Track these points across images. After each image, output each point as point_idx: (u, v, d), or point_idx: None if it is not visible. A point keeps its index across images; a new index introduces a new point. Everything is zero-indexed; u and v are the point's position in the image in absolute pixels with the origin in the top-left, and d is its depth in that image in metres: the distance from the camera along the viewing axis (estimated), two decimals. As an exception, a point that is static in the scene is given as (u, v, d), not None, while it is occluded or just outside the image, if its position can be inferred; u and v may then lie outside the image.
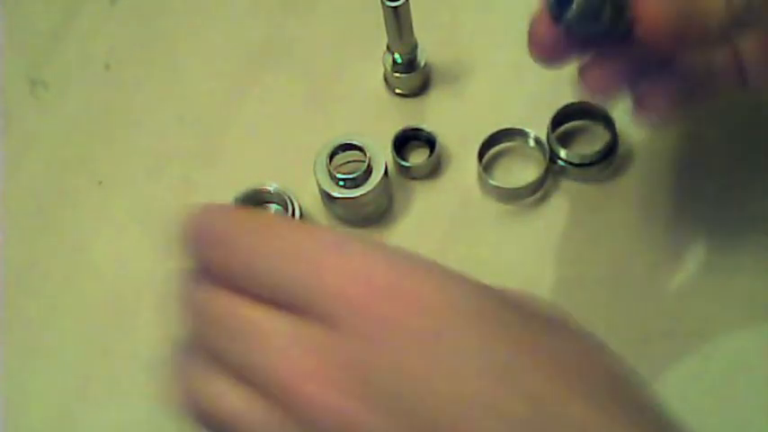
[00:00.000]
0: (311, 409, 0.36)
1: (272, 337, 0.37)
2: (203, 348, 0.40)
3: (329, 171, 0.52)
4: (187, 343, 0.41)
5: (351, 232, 0.54)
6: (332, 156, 0.52)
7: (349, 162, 0.53)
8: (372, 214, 0.54)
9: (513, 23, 0.58)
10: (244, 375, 0.38)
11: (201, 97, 0.58)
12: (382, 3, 0.52)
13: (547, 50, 0.45)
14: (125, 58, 0.60)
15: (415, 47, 0.56)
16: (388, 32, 0.54)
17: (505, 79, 0.57)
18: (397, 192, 0.55)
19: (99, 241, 0.55)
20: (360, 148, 0.52)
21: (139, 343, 0.53)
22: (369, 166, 0.52)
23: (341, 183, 0.52)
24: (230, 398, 0.39)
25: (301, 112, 0.57)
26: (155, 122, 0.58)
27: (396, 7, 0.52)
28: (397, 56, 0.56)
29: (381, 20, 0.54)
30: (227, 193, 0.56)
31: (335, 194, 0.52)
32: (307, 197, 0.54)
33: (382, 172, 0.52)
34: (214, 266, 0.39)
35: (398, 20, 0.53)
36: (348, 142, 0.53)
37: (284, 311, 0.37)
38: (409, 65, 0.56)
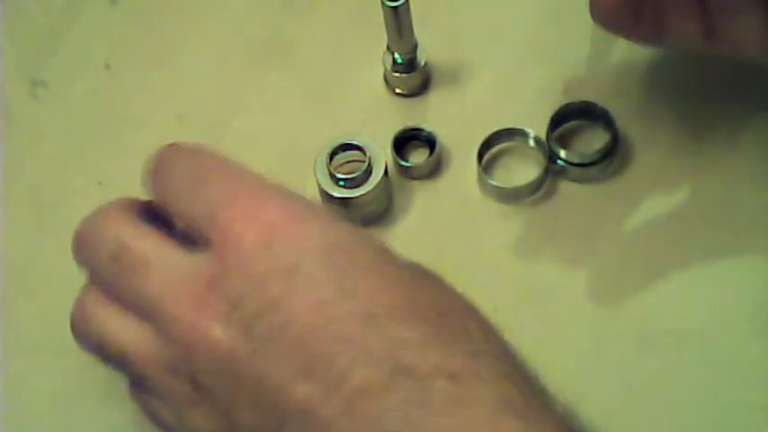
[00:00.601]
0: (181, 330, 0.41)
1: (155, 264, 0.43)
2: (97, 283, 0.45)
3: (329, 171, 0.52)
4: (88, 282, 0.46)
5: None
6: (332, 156, 0.52)
7: (349, 162, 0.53)
8: (372, 214, 0.54)
9: (513, 23, 0.58)
10: (128, 302, 0.43)
11: (201, 97, 0.58)
12: (382, 3, 0.52)
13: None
14: (125, 58, 0.60)
15: (415, 47, 0.56)
16: (388, 32, 0.54)
17: (505, 79, 0.57)
18: (397, 192, 0.55)
19: (99, 241, 0.55)
20: (360, 148, 0.52)
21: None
22: (369, 166, 0.52)
23: (341, 183, 0.52)
24: (112, 322, 0.44)
25: (301, 111, 0.57)
26: (155, 122, 0.58)
27: (396, 7, 0.52)
28: (397, 56, 0.56)
29: (381, 20, 0.54)
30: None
31: (335, 194, 0.52)
32: (306, 197, 0.54)
33: (382, 172, 0.52)
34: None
35: (398, 20, 0.53)
36: (348, 142, 0.53)
37: (177, 246, 0.43)
38: (409, 65, 0.56)
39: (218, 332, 0.40)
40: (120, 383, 0.52)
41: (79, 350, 0.53)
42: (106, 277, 0.44)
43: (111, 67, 0.60)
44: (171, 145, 0.47)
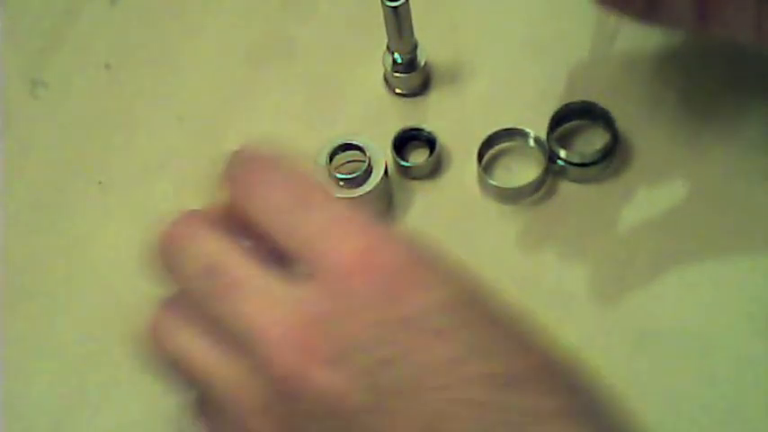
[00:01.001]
0: (283, 371, 0.37)
1: (252, 289, 0.39)
2: (183, 298, 0.41)
3: (329, 171, 0.52)
4: (170, 295, 0.42)
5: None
6: (332, 156, 0.52)
7: (349, 162, 0.53)
8: (372, 214, 0.54)
9: (513, 23, 0.58)
10: (218, 326, 0.40)
11: (201, 97, 0.58)
12: (382, 3, 0.52)
13: None
14: (125, 58, 0.60)
15: (415, 47, 0.56)
16: (388, 32, 0.54)
17: (505, 79, 0.57)
18: (397, 192, 0.55)
19: (99, 241, 0.55)
20: (360, 148, 0.52)
21: (139, 343, 0.53)
22: (369, 166, 0.52)
23: (341, 183, 0.52)
24: (199, 345, 0.40)
25: (301, 112, 0.57)
26: (155, 122, 0.58)
27: (396, 7, 0.52)
28: (397, 56, 0.56)
29: (381, 20, 0.54)
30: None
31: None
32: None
33: (382, 172, 0.52)
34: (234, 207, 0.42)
35: (398, 20, 0.53)
36: (348, 142, 0.53)
37: (275, 271, 0.39)
38: (409, 65, 0.56)
39: (327, 378, 0.37)
40: (119, 382, 0.52)
41: (78, 350, 0.53)
42: (193, 293, 0.41)
43: (111, 67, 0.60)
44: (258, 156, 0.43)
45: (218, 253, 0.40)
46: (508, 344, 0.38)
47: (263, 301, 0.39)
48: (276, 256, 0.40)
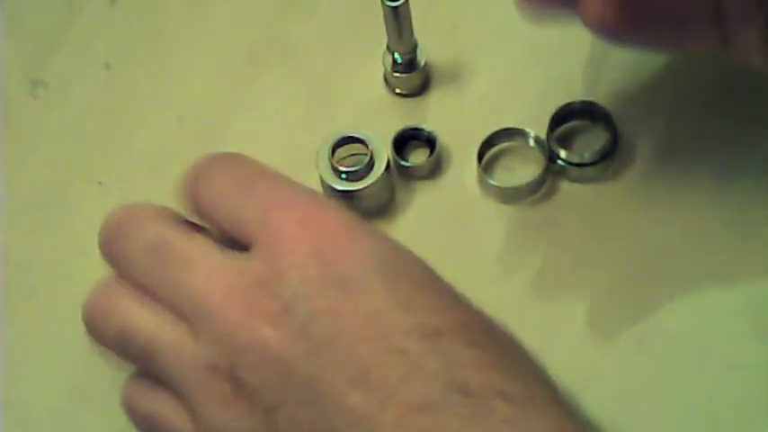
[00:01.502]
0: (228, 328, 0.41)
1: (200, 260, 0.42)
2: (127, 275, 0.44)
3: (331, 164, 0.52)
4: (113, 275, 0.45)
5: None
6: (334, 149, 0.53)
7: (351, 155, 0.53)
8: (374, 208, 0.54)
9: (514, 23, 0.58)
10: (162, 296, 0.43)
11: (201, 97, 0.58)
12: (382, 3, 0.52)
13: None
14: (125, 58, 0.60)
15: (415, 47, 0.56)
16: (388, 32, 0.54)
17: (505, 79, 0.57)
18: (397, 191, 0.55)
19: (99, 241, 0.55)
20: (362, 141, 0.53)
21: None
22: (371, 159, 0.52)
23: (343, 176, 0.52)
24: (142, 314, 0.43)
25: (301, 112, 0.57)
26: (155, 122, 0.58)
27: (396, 7, 0.52)
28: (397, 56, 0.56)
29: (381, 20, 0.54)
30: (227, 193, 0.56)
31: (337, 187, 0.52)
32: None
33: (384, 165, 0.52)
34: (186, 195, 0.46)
35: (398, 20, 0.53)
36: (350, 135, 0.53)
37: (221, 246, 0.43)
38: (409, 65, 0.56)
39: (269, 331, 0.40)
40: (119, 382, 0.52)
41: (78, 350, 0.53)
42: (138, 269, 0.44)
43: (111, 67, 0.60)
44: (209, 155, 0.46)
45: (167, 231, 0.44)
46: (434, 301, 0.41)
47: (207, 269, 0.42)
48: (225, 242, 0.43)
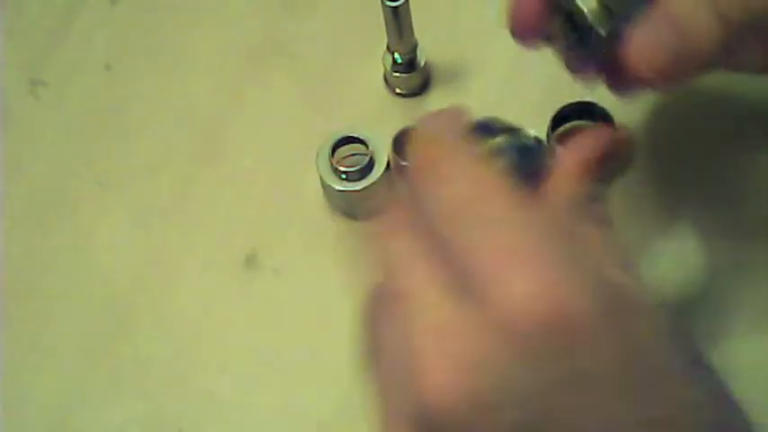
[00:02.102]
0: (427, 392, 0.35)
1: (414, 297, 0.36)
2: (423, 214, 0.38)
3: (331, 164, 0.52)
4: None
5: (352, 227, 0.54)
6: (334, 149, 0.53)
7: (351, 155, 0.53)
8: (374, 207, 0.54)
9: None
10: (442, 250, 0.37)
11: (201, 97, 0.58)
12: (382, 3, 0.52)
13: (529, 28, 0.45)
14: (125, 58, 0.60)
15: (415, 47, 0.56)
16: (388, 32, 0.54)
17: (505, 79, 0.57)
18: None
19: (99, 241, 0.55)
20: (362, 141, 0.53)
21: (138, 342, 0.53)
22: (371, 159, 0.52)
23: (343, 176, 0.52)
24: (413, 260, 0.37)
25: (301, 112, 0.57)
26: (155, 122, 0.58)
27: (396, 7, 0.52)
28: (397, 56, 0.56)
29: (381, 20, 0.54)
30: (227, 194, 0.56)
31: (338, 187, 0.52)
32: (307, 194, 0.55)
33: (384, 165, 0.52)
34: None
35: (398, 20, 0.53)
36: (350, 135, 0.53)
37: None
38: (409, 65, 0.56)
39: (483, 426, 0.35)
40: (119, 382, 0.52)
41: (78, 350, 0.53)
42: (426, 219, 0.38)
43: (111, 67, 0.60)
44: (443, 141, 0.39)
45: (400, 258, 0.38)
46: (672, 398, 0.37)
47: (429, 324, 0.36)
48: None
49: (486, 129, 0.41)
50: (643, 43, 0.42)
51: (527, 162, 0.41)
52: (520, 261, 0.35)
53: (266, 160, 0.56)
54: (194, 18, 0.60)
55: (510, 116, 0.55)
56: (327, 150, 0.52)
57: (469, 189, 0.37)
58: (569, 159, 0.42)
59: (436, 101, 0.57)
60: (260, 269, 0.54)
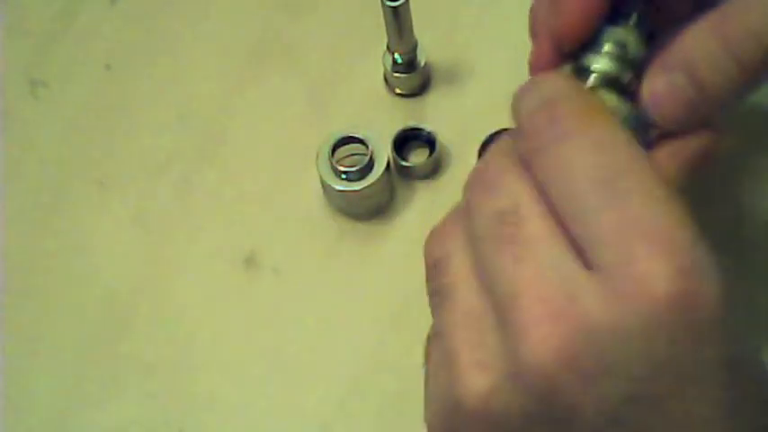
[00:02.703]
0: (522, 348, 0.34)
1: (529, 250, 0.35)
2: (466, 218, 0.39)
3: (331, 164, 0.52)
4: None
5: (352, 227, 0.54)
6: (334, 149, 0.53)
7: (351, 155, 0.53)
8: (374, 208, 0.54)
9: (514, 23, 0.58)
10: (485, 269, 0.37)
11: (202, 97, 0.58)
12: (382, 3, 0.52)
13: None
14: (125, 58, 0.60)
15: (415, 47, 0.56)
16: (388, 32, 0.54)
17: (505, 79, 0.57)
18: (397, 191, 0.55)
19: (99, 241, 0.55)
20: (362, 141, 0.53)
21: (138, 343, 0.53)
22: (371, 159, 0.52)
23: (343, 176, 0.52)
24: (461, 266, 0.38)
25: (301, 112, 0.57)
26: (155, 122, 0.58)
27: (396, 7, 0.52)
28: (397, 56, 0.56)
29: (381, 20, 0.54)
30: (227, 194, 0.56)
31: (338, 187, 0.52)
32: (307, 194, 0.55)
33: (384, 165, 0.52)
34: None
35: (398, 20, 0.53)
36: (350, 135, 0.53)
37: (558, 235, 0.35)
38: (409, 65, 0.56)
39: (572, 392, 0.34)
40: (119, 381, 0.52)
41: (77, 350, 0.53)
42: (479, 228, 0.37)
43: (111, 67, 0.60)
44: (562, 104, 0.37)
45: (519, 200, 0.36)
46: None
47: (540, 273, 0.35)
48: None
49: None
50: (657, 92, 0.40)
51: (643, 135, 0.40)
52: (656, 238, 0.34)
53: (266, 160, 0.56)
54: (194, 18, 0.60)
55: (510, 116, 0.55)
56: (327, 150, 0.52)
57: (602, 156, 0.36)
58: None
59: (436, 101, 0.57)
60: (260, 269, 0.54)
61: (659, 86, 0.40)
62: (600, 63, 0.40)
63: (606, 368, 0.34)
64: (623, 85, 0.40)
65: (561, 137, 0.36)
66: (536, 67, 0.43)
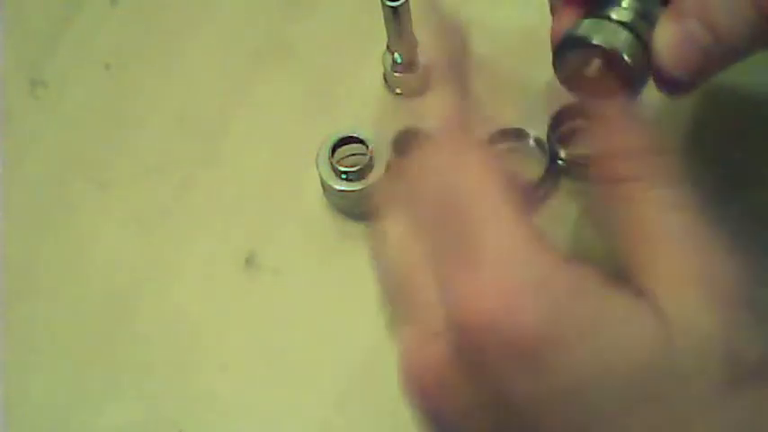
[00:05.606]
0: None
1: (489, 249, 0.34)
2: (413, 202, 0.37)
3: (331, 164, 0.52)
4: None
5: (352, 227, 0.54)
6: (334, 149, 0.53)
7: (351, 155, 0.53)
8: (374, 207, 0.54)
9: (513, 23, 0.58)
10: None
11: (201, 97, 0.58)
12: (382, 3, 0.52)
13: None
14: (125, 58, 0.60)
15: (415, 47, 0.56)
16: (388, 32, 0.54)
17: (505, 79, 0.57)
18: (397, 192, 0.55)
19: (99, 241, 0.55)
20: (362, 141, 0.53)
21: (139, 343, 0.53)
22: (371, 159, 0.52)
23: (343, 176, 0.52)
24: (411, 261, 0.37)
25: (301, 112, 0.57)
26: (155, 122, 0.58)
27: (396, 7, 0.52)
28: (397, 56, 0.56)
29: (381, 20, 0.54)
30: (227, 194, 0.56)
31: (338, 187, 0.52)
32: (307, 194, 0.55)
33: (385, 165, 0.52)
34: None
35: (398, 20, 0.53)
36: (350, 135, 0.53)
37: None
38: (409, 65, 0.56)
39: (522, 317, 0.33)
40: (119, 381, 0.52)
41: (78, 350, 0.53)
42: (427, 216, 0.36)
43: (111, 67, 0.60)
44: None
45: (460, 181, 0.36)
46: None
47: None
48: None
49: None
50: (671, 39, 0.39)
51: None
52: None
53: (266, 160, 0.56)
54: (194, 18, 0.60)
55: (510, 116, 0.55)
56: (327, 150, 0.52)
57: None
58: None
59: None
60: (260, 269, 0.54)
61: (672, 34, 0.39)
62: (619, 15, 0.40)
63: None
64: (640, 37, 0.40)
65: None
66: (556, 39, 0.42)
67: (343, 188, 0.52)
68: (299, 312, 0.53)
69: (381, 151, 0.53)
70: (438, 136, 0.38)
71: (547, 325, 0.33)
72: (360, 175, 0.52)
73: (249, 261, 0.54)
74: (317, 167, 0.53)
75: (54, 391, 0.52)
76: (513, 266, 0.34)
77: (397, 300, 0.37)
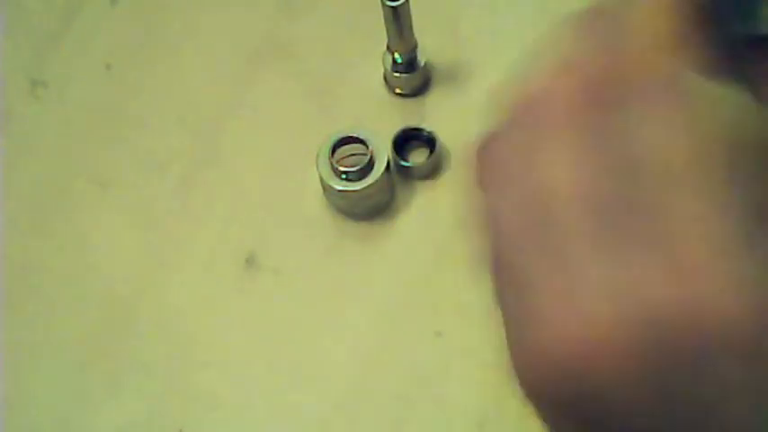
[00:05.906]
0: None
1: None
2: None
3: (331, 164, 0.52)
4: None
5: (352, 227, 0.54)
6: (334, 149, 0.53)
7: (351, 155, 0.53)
8: (374, 207, 0.54)
9: (514, 23, 0.58)
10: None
11: (202, 97, 0.58)
12: (382, 3, 0.52)
13: None
14: (125, 58, 0.60)
15: (415, 47, 0.56)
16: (388, 32, 0.54)
17: (506, 79, 0.57)
18: (397, 191, 0.55)
19: (99, 242, 0.55)
20: (362, 141, 0.53)
21: (138, 343, 0.53)
22: (371, 159, 0.52)
23: (343, 176, 0.52)
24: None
25: (301, 112, 0.57)
26: (155, 122, 0.58)
27: (396, 7, 0.52)
28: (397, 56, 0.56)
29: (381, 20, 0.54)
30: (226, 193, 0.56)
31: (338, 187, 0.52)
32: (307, 194, 0.55)
33: (384, 165, 0.52)
34: None
35: (398, 20, 0.53)
36: (350, 135, 0.53)
37: None
38: (409, 65, 0.56)
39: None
40: (119, 382, 0.52)
41: (78, 350, 0.53)
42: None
43: (111, 67, 0.60)
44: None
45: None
46: None
47: None
48: None
49: None
50: None
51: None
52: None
53: (266, 160, 0.56)
54: (194, 18, 0.60)
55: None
56: (327, 150, 0.53)
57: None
58: None
59: (436, 101, 0.57)
60: (260, 269, 0.54)
61: None
62: None
63: None
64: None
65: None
66: None
67: (343, 188, 0.52)
68: (299, 312, 0.53)
69: (381, 151, 0.53)
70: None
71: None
72: (360, 175, 0.52)
73: (249, 261, 0.54)
74: (317, 167, 0.53)
75: (54, 391, 0.52)
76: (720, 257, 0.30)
77: (534, 268, 0.33)
